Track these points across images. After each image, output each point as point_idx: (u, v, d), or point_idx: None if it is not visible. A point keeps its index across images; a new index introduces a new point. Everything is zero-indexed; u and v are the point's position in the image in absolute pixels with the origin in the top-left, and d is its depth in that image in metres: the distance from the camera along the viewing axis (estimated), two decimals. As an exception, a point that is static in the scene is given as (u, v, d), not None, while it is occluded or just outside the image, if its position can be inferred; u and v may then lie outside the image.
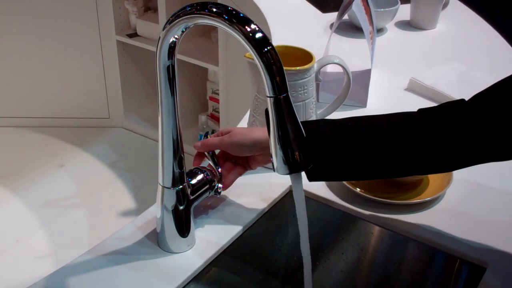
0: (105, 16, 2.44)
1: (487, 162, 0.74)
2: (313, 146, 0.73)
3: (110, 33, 2.47)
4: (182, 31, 0.61)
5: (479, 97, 0.73)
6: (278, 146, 0.61)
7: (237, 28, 0.57)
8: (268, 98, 0.59)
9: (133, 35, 2.46)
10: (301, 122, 0.74)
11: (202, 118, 2.49)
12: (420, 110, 0.75)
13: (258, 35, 0.57)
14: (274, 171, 0.63)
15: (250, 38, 0.57)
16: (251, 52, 0.57)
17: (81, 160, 2.45)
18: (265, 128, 0.64)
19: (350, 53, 1.03)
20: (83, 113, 2.67)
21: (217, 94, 2.34)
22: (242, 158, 0.82)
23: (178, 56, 0.65)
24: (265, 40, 0.57)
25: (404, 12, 1.59)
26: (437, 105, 0.76)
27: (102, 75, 2.58)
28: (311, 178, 0.76)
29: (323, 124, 0.75)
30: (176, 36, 0.62)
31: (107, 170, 2.38)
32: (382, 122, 0.74)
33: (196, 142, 0.83)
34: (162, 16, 2.26)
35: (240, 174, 0.83)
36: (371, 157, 0.73)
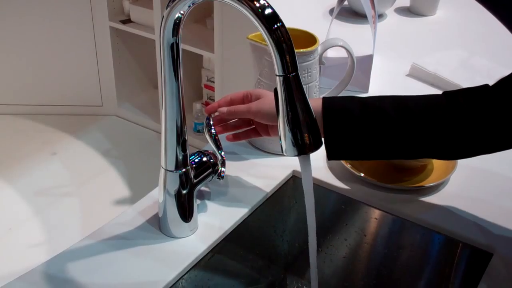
0: (98, 1, 2.40)
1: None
2: (339, 124, 0.73)
3: (103, 19, 2.43)
4: (189, 6, 0.59)
5: (504, 82, 0.72)
6: (287, 127, 0.59)
7: (244, 3, 0.55)
8: (277, 77, 0.57)
9: (127, 21, 2.43)
10: (327, 97, 0.75)
11: (197, 106, 2.46)
12: (445, 94, 0.75)
13: (268, 11, 0.55)
14: (282, 153, 0.61)
15: (259, 14, 0.54)
16: (260, 29, 0.55)
17: (74, 148, 2.43)
18: None
19: (351, 38, 1.02)
20: (76, 101, 2.63)
21: (212, 82, 2.32)
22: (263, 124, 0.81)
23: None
24: (275, 17, 0.55)
25: (403, -2, 1.58)
26: (461, 89, 0.75)
27: (95, 62, 2.55)
28: (331, 156, 0.76)
29: (350, 102, 0.75)
30: (182, 12, 0.60)
31: (100, 158, 2.35)
32: (410, 104, 0.74)
33: (222, 108, 0.81)
34: (156, 2, 2.23)
35: (250, 137, 0.85)
36: (396, 139, 0.73)
